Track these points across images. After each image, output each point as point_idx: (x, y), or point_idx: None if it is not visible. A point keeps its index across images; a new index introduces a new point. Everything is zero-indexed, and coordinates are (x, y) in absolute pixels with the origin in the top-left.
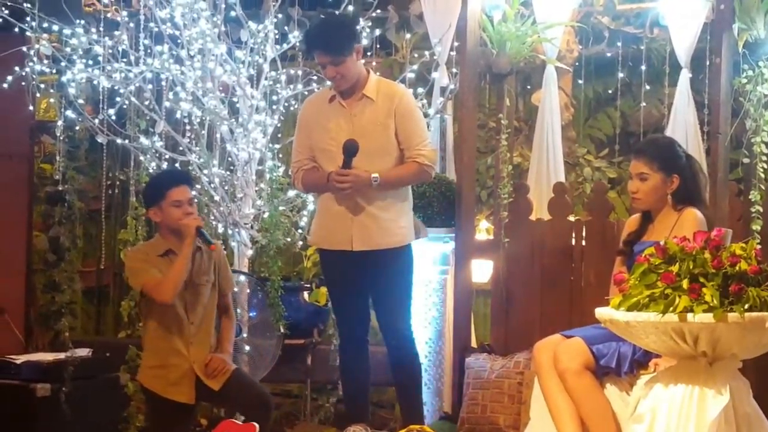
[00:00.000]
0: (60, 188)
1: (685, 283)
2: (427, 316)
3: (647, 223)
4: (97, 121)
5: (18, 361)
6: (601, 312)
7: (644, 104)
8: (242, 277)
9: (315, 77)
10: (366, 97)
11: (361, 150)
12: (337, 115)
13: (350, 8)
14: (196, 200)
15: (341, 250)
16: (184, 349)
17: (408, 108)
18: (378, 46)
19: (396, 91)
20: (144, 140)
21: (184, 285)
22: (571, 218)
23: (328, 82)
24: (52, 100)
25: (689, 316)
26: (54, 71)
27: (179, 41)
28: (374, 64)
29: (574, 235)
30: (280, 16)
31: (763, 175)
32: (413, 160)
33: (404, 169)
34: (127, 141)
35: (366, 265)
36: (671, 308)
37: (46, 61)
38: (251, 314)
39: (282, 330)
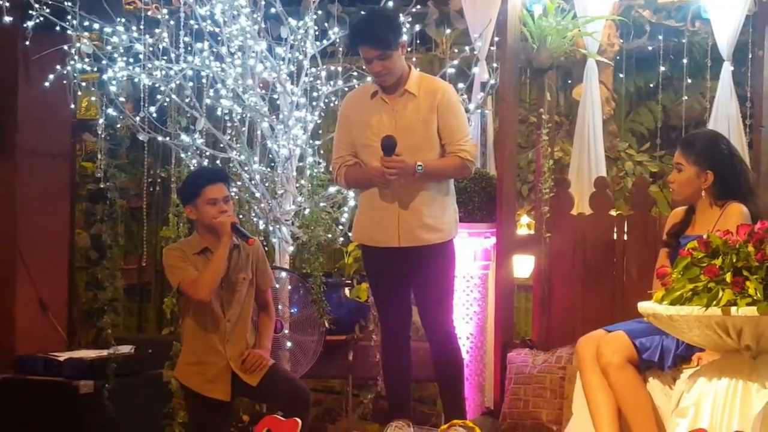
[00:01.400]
0: (101, 186)
1: (728, 277)
2: (469, 312)
3: (691, 215)
4: (138, 118)
5: (61, 358)
6: (643, 306)
7: (686, 98)
8: (283, 274)
9: (355, 73)
10: (408, 92)
11: (403, 145)
12: (379, 110)
13: (390, 4)
14: (236, 197)
15: (385, 247)
16: (220, 346)
17: (450, 103)
18: (418, 41)
19: (438, 87)
20: (185, 137)
21: (220, 283)
22: (613, 213)
23: (369, 78)
24: (93, 98)
25: (733, 309)
26: (95, 69)
27: (219, 38)
28: (414, 59)
29: (615, 229)
30: (319, 12)
31: None
32: (455, 154)
33: (446, 162)
34: (167, 138)
35: (409, 261)
36: (714, 302)
37: (87, 60)
38: (292, 310)
39: (327, 326)
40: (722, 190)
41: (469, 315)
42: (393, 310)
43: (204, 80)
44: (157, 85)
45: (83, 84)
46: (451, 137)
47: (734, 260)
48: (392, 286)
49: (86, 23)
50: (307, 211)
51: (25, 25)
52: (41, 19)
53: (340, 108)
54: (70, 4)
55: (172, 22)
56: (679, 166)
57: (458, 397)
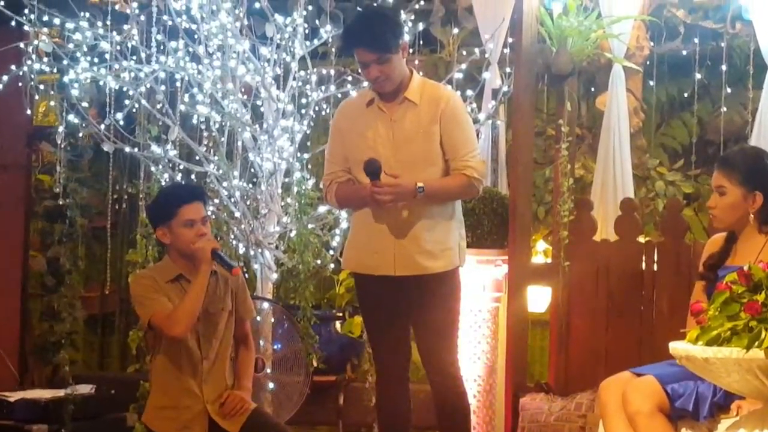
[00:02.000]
0: (60, 202)
1: None
2: (476, 350)
3: (731, 244)
4: (102, 126)
5: (12, 399)
6: (676, 347)
7: (725, 109)
8: (266, 305)
9: (350, 78)
10: (408, 100)
11: (402, 160)
12: (375, 120)
13: (390, 0)
14: (212, 217)
15: (379, 276)
16: (196, 387)
17: (455, 113)
18: (421, 42)
19: (442, 95)
20: (156, 148)
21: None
22: (641, 239)
23: (365, 84)
24: (52, 102)
25: None
26: (55, 70)
27: (196, 37)
28: (417, 62)
29: (644, 258)
30: (310, 8)
31: None
32: (460, 172)
33: (450, 181)
34: (136, 149)
35: (408, 292)
36: (757, 343)
37: (45, 59)
38: (276, 347)
39: (315, 364)
40: None
41: (476, 354)
42: (390, 348)
43: (178, 84)
44: (124, 89)
45: (41, 87)
46: (455, 152)
47: None
48: (389, 321)
49: (45, 18)
50: (293, 234)
51: None
52: None
53: (333, 118)
54: None
55: (142, 18)
56: (721, 189)
57: None
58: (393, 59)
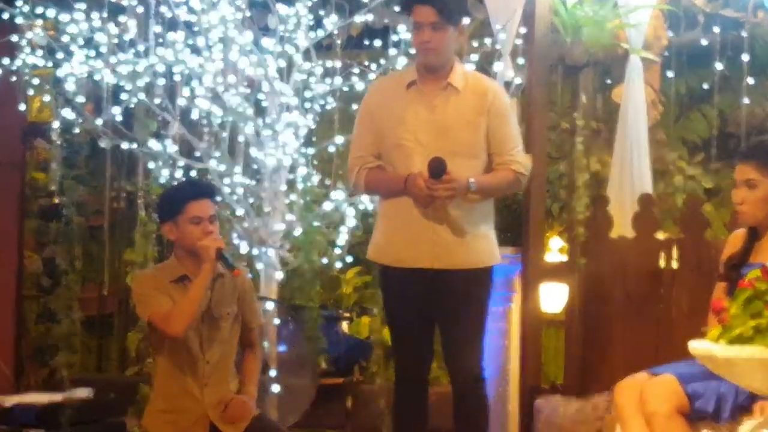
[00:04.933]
0: (56, 201)
1: None
2: (489, 351)
3: (754, 241)
4: (99, 122)
5: (7, 404)
6: (696, 346)
7: (746, 101)
8: (270, 305)
9: (356, 70)
10: (451, 86)
11: (443, 149)
12: (415, 103)
13: None
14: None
15: (413, 269)
16: (197, 391)
17: (503, 108)
18: None
19: (489, 87)
20: (154, 144)
21: (200, 317)
22: (660, 236)
23: (372, 76)
24: (47, 98)
25: None
26: (49, 64)
27: (196, 28)
28: None
29: (663, 255)
30: None
31: None
32: (506, 166)
33: (499, 176)
34: (134, 145)
35: (440, 288)
36: None
37: (40, 53)
38: (280, 348)
39: (322, 366)
40: None
41: (489, 354)
42: (414, 348)
43: (177, 77)
44: (122, 83)
45: (35, 81)
46: (501, 146)
47: None
48: (416, 319)
49: (39, 10)
50: (298, 232)
51: None
52: None
53: (365, 98)
54: None
55: (140, 9)
56: (751, 182)
57: None
58: (449, 31)
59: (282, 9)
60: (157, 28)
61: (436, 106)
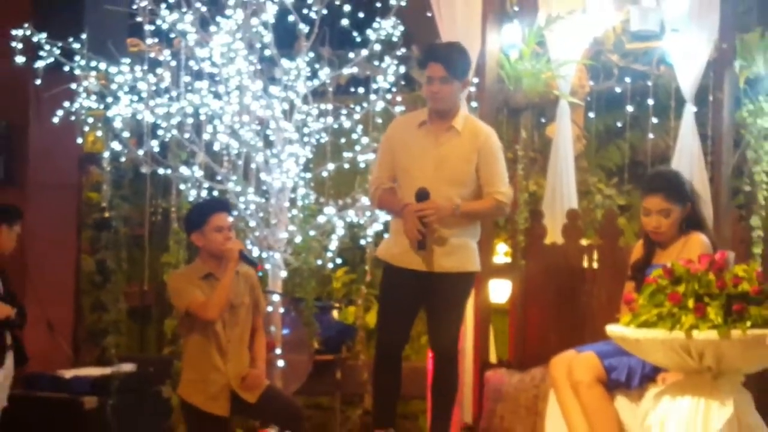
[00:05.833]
0: (106, 215)
1: (690, 303)
2: None
3: (653, 247)
4: (141, 152)
5: (67, 376)
6: (612, 329)
7: (651, 136)
8: (276, 297)
9: (344, 111)
10: (453, 128)
11: (441, 177)
12: (424, 139)
13: (377, 47)
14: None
15: (412, 269)
16: (222, 364)
17: (493, 148)
18: (403, 82)
19: (482, 130)
20: (184, 170)
21: None
22: (584, 242)
23: (356, 116)
24: (99, 133)
25: (695, 333)
26: (101, 107)
27: (217, 78)
28: (399, 99)
29: (586, 258)
30: (311, 54)
31: (763, 202)
32: (491, 196)
33: (483, 204)
34: (168, 171)
35: (431, 287)
36: (678, 326)
37: (93, 97)
38: (284, 332)
39: (317, 346)
40: (692, 218)
41: None
42: (395, 333)
43: (203, 117)
44: (158, 122)
45: (90, 120)
46: (490, 180)
47: (696, 287)
48: (404, 307)
49: (93, 63)
50: (298, 239)
51: (36, 66)
52: (51, 59)
53: (386, 131)
54: (78, 45)
55: (173, 63)
56: (666, 212)
57: (449, 415)
58: (454, 84)
59: (285, 63)
60: (186, 78)
61: (441, 143)
